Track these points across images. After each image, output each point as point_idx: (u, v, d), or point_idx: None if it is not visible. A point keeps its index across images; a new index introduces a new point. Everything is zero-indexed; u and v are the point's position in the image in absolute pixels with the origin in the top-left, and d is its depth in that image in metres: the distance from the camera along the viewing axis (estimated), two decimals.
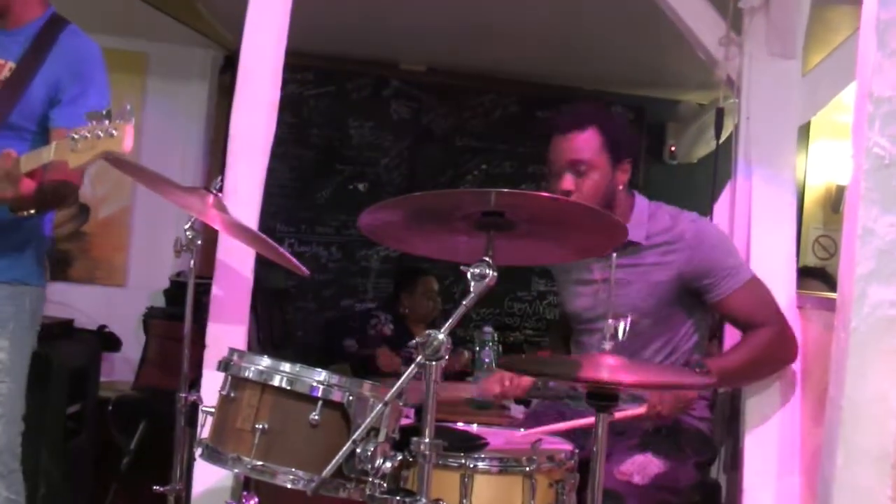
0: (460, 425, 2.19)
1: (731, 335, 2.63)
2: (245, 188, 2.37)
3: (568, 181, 2.39)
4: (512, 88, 5.66)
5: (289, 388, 1.76)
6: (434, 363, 1.63)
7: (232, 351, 1.89)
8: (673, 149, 5.67)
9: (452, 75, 5.57)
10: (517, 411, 3.62)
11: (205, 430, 1.89)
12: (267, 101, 2.40)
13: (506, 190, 1.73)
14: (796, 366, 2.50)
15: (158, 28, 4.64)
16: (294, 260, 2.34)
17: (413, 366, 1.64)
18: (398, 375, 1.70)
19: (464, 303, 1.69)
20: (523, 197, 1.81)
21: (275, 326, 4.67)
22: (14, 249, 2.40)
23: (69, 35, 2.40)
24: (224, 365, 1.86)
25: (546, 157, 2.47)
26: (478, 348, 3.79)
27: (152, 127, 4.73)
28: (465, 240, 1.91)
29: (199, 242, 2.23)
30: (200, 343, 2.32)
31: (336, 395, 1.74)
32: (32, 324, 2.46)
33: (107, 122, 1.88)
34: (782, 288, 2.52)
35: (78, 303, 4.26)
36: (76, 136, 1.92)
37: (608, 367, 1.81)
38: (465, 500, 1.82)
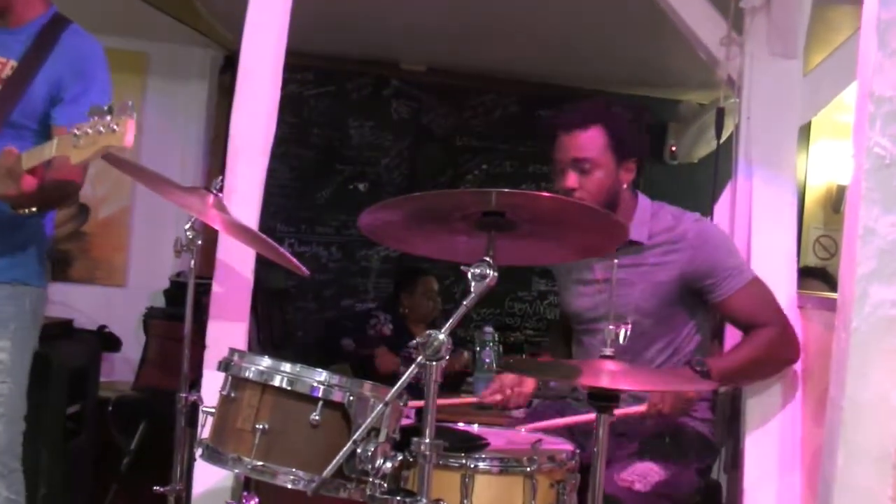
0: (461, 425, 2.19)
1: (732, 336, 2.63)
2: (245, 188, 2.36)
3: (571, 179, 2.38)
4: (512, 88, 5.65)
5: (289, 388, 1.76)
6: (434, 363, 1.63)
7: (232, 351, 1.88)
8: (674, 149, 5.67)
9: (453, 75, 5.56)
10: (518, 411, 3.62)
11: (205, 431, 1.89)
12: (267, 101, 2.40)
13: (506, 190, 1.73)
14: (797, 366, 2.50)
15: (158, 28, 4.64)
16: (294, 260, 2.34)
17: (413, 366, 1.64)
18: (396, 376, 1.69)
19: (464, 303, 1.69)
20: (524, 197, 1.81)
21: (275, 326, 4.67)
22: (15, 249, 2.40)
23: (71, 34, 2.40)
24: (224, 365, 1.86)
25: (550, 155, 2.45)
26: (478, 348, 3.79)
27: (152, 127, 4.73)
28: (465, 240, 1.91)
29: (200, 242, 2.23)
30: (200, 343, 2.32)
31: (336, 396, 1.73)
32: (34, 324, 2.46)
33: (108, 117, 1.88)
34: (783, 288, 2.52)
35: (78, 303, 4.27)
36: (78, 132, 1.92)
37: (609, 373, 1.81)
38: (465, 501, 1.82)
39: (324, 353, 4.62)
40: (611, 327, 1.86)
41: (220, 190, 2.23)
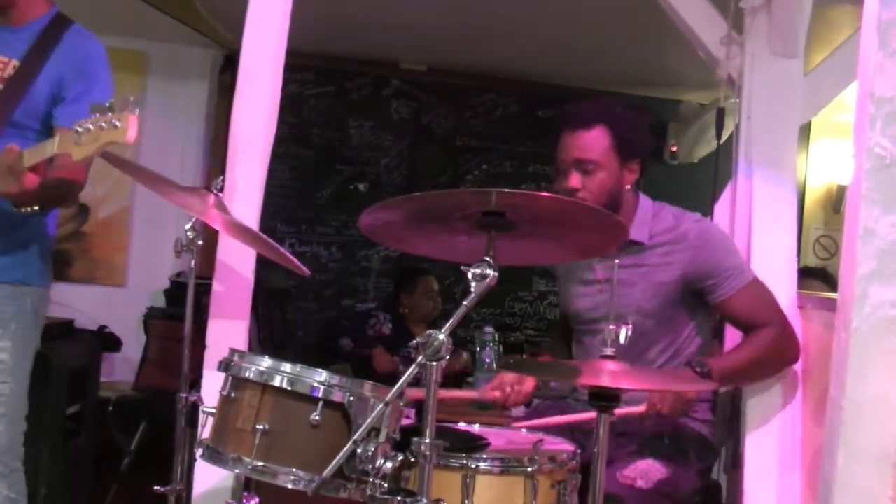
0: (462, 425, 2.19)
1: (731, 337, 2.63)
2: (245, 188, 2.36)
3: (574, 179, 2.37)
4: (512, 88, 5.66)
5: (289, 388, 1.76)
6: (434, 363, 1.63)
7: (232, 351, 1.88)
8: (674, 149, 5.67)
9: (453, 75, 5.56)
10: (518, 411, 3.61)
11: (205, 431, 1.89)
12: (267, 101, 2.40)
13: (506, 190, 1.73)
14: (797, 366, 2.50)
15: (158, 28, 4.64)
16: (294, 260, 2.34)
17: (414, 366, 1.64)
18: (395, 376, 1.69)
19: (464, 303, 1.69)
20: (524, 197, 1.81)
21: (275, 326, 4.68)
22: (17, 248, 2.39)
23: (73, 34, 2.40)
24: (225, 365, 1.86)
25: (553, 153, 2.44)
26: (478, 349, 3.78)
27: (152, 127, 4.71)
28: (465, 240, 1.91)
29: (200, 242, 2.23)
30: (201, 343, 2.32)
31: (337, 396, 1.73)
32: (35, 324, 2.45)
33: (110, 113, 1.88)
34: (783, 288, 2.52)
35: (78, 303, 4.26)
36: (80, 129, 1.92)
37: (609, 373, 1.81)
38: (466, 501, 1.82)
39: (323, 353, 4.62)
40: (611, 327, 1.86)
41: (221, 190, 2.23)
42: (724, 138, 3.09)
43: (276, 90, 2.41)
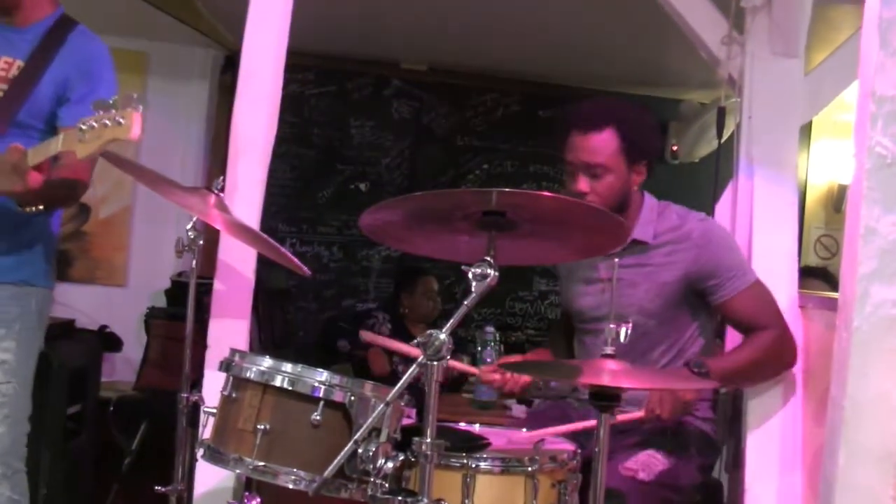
0: (462, 425, 2.19)
1: (732, 338, 2.63)
2: (246, 188, 2.37)
3: (583, 183, 2.36)
4: (513, 88, 5.65)
5: (290, 388, 1.76)
6: (435, 363, 1.62)
7: (233, 351, 1.88)
8: (675, 148, 5.66)
9: (453, 75, 5.56)
10: (519, 411, 3.61)
11: (206, 431, 1.90)
12: (268, 101, 2.40)
13: (507, 189, 1.73)
14: (798, 366, 2.50)
15: (159, 28, 4.64)
16: (295, 260, 2.34)
17: (414, 366, 1.64)
18: (395, 376, 1.69)
19: (465, 303, 1.69)
20: (525, 196, 1.81)
21: (276, 326, 4.67)
22: (21, 248, 2.39)
23: (78, 35, 2.40)
24: (225, 365, 1.86)
25: (559, 151, 2.42)
26: (479, 348, 3.78)
27: (152, 127, 4.63)
28: (466, 239, 1.91)
29: (201, 242, 2.23)
30: (202, 343, 2.32)
31: (338, 396, 1.74)
32: (39, 324, 2.45)
33: (114, 110, 1.88)
34: (784, 287, 2.52)
35: (78, 303, 4.25)
36: (84, 127, 1.92)
37: (610, 372, 1.81)
38: (467, 501, 1.82)
39: (324, 353, 4.62)
40: (611, 326, 1.86)
41: (222, 190, 2.23)
42: (724, 138, 3.09)
43: (276, 90, 2.41)
